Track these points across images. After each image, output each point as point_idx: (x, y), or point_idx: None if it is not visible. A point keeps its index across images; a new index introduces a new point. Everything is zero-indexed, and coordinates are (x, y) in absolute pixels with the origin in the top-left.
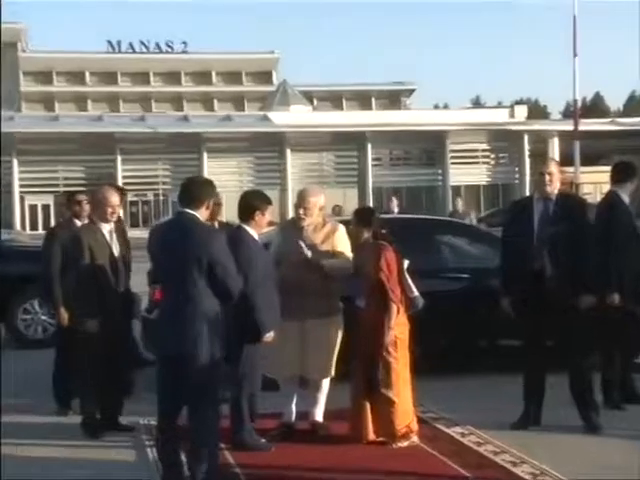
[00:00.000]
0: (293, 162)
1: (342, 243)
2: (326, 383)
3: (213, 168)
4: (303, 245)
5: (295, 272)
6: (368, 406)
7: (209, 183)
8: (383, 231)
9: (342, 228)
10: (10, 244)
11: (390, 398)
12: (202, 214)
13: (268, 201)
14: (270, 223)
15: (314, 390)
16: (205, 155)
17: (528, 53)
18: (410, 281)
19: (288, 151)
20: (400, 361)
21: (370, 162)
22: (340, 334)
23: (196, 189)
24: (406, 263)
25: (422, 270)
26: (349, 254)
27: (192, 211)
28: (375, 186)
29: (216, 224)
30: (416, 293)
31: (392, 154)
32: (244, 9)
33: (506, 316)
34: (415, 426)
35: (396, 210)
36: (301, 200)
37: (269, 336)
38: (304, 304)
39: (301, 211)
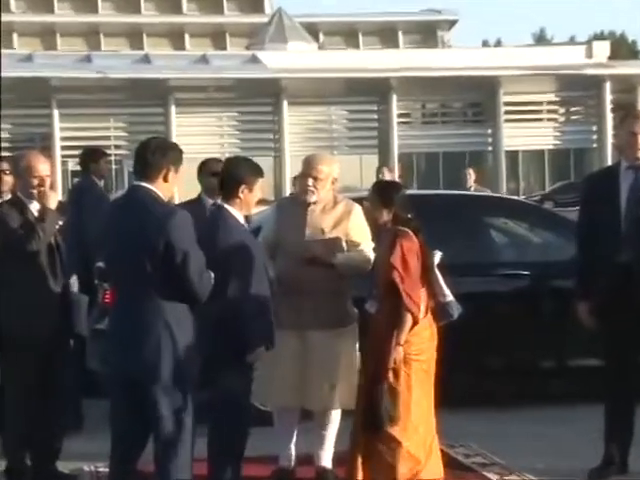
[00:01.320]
0: (292, 119)
1: (359, 229)
2: (336, 417)
3: (184, 127)
4: (311, 241)
5: (295, 267)
6: (365, 445)
7: (169, 146)
8: (409, 215)
9: (359, 209)
10: None
11: (393, 436)
12: (161, 187)
13: (258, 172)
14: (261, 202)
15: (319, 426)
16: (173, 109)
17: None
18: (442, 281)
19: (285, 104)
20: (413, 390)
21: (395, 119)
22: (355, 350)
23: (151, 154)
24: (438, 256)
25: (462, 265)
26: (369, 245)
27: (147, 184)
28: (402, 152)
29: (209, 202)
30: (450, 297)
31: (425, 108)
32: None
33: (582, 327)
34: (429, 475)
35: None
36: (310, 168)
37: (259, 353)
38: (307, 309)
39: (309, 182)
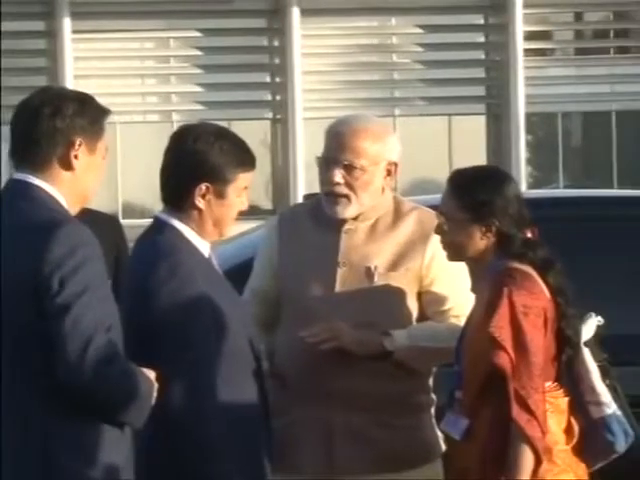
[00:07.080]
0: (309, 43)
1: (450, 272)
2: None
3: (89, 60)
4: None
5: (316, 350)
6: None
7: (73, 99)
8: (528, 237)
9: None
10: None
11: None
12: (60, 181)
13: (240, 156)
14: (248, 214)
15: None
16: (66, 24)
17: None
18: (597, 375)
19: (295, 14)
20: None
21: (521, 44)
22: None
23: (35, 119)
24: (592, 324)
25: None
26: (469, 304)
27: (33, 177)
28: (534, 110)
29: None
30: (611, 409)
31: (582, 22)
32: None
33: None
34: None
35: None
36: (339, 146)
37: None
38: (342, 434)
39: (336, 176)
